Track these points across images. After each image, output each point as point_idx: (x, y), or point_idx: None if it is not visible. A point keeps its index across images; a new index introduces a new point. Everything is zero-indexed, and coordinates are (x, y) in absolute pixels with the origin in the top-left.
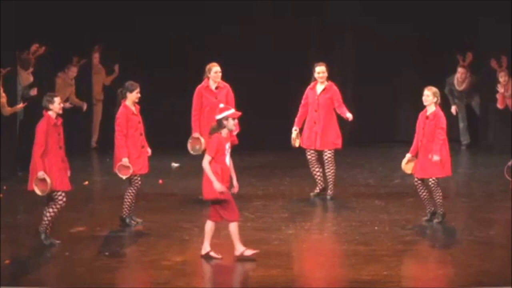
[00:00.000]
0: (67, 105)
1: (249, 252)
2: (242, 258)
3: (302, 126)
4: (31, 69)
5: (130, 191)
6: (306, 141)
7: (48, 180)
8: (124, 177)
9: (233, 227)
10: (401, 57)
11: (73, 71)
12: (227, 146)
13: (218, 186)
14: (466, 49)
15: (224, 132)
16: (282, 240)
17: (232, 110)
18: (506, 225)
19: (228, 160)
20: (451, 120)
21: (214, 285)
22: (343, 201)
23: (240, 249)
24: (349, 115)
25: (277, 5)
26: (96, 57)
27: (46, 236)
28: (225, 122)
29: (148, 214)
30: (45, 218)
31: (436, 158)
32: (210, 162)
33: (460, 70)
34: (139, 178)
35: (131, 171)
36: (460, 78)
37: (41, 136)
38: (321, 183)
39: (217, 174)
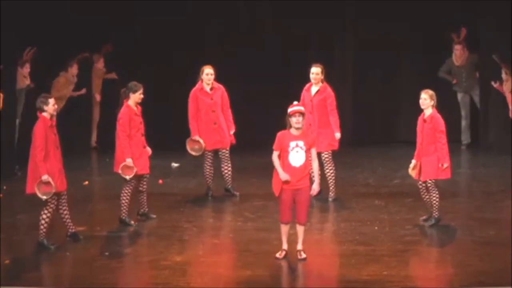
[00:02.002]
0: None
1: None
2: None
3: None
4: (26, 70)
5: (126, 191)
6: None
7: (53, 183)
8: (127, 177)
9: (299, 229)
10: (401, 57)
11: (74, 68)
12: (293, 144)
13: (282, 175)
14: (460, 26)
15: (292, 129)
16: None
17: (294, 108)
18: (506, 225)
19: (294, 158)
20: (451, 120)
21: (215, 284)
22: (343, 201)
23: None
24: (337, 135)
25: (277, 5)
26: (101, 61)
27: (48, 242)
28: (289, 119)
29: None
30: (42, 226)
31: (446, 165)
32: (278, 157)
33: (456, 47)
34: (133, 179)
35: (134, 171)
36: (458, 54)
37: (40, 139)
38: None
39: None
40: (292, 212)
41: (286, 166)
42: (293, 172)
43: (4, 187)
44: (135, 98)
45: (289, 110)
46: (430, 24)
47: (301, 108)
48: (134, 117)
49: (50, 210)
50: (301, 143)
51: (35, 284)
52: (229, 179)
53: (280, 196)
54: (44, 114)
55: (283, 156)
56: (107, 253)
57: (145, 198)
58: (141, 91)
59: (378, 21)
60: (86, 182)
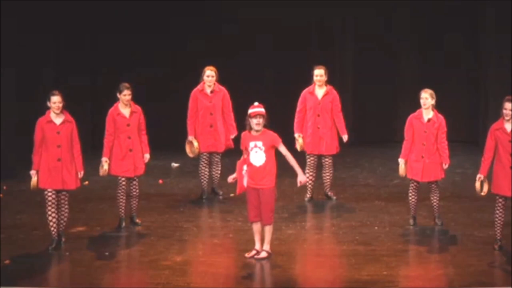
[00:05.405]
0: None
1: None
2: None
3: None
4: None
5: (117, 193)
6: (310, 146)
7: (33, 180)
8: (101, 175)
9: (265, 229)
10: (401, 57)
11: None
12: (252, 144)
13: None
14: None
15: (252, 130)
16: (282, 240)
17: (254, 109)
18: (506, 225)
19: (254, 158)
20: (449, 120)
21: (215, 284)
22: (343, 201)
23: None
24: (345, 137)
25: (277, 5)
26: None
27: (59, 239)
28: (249, 120)
29: (148, 214)
30: (51, 229)
31: (447, 165)
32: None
33: None
34: (123, 180)
35: (105, 172)
36: None
37: (35, 133)
38: (311, 190)
39: (241, 170)
40: (257, 211)
41: (249, 165)
42: (254, 171)
43: (4, 187)
44: (121, 98)
45: (250, 111)
46: (430, 24)
47: (262, 110)
48: (117, 118)
49: (49, 207)
50: (259, 143)
51: (35, 284)
52: (216, 181)
53: (246, 195)
54: (50, 110)
55: (246, 158)
56: (107, 253)
57: (135, 203)
58: (125, 92)
59: (378, 21)
60: (86, 182)
